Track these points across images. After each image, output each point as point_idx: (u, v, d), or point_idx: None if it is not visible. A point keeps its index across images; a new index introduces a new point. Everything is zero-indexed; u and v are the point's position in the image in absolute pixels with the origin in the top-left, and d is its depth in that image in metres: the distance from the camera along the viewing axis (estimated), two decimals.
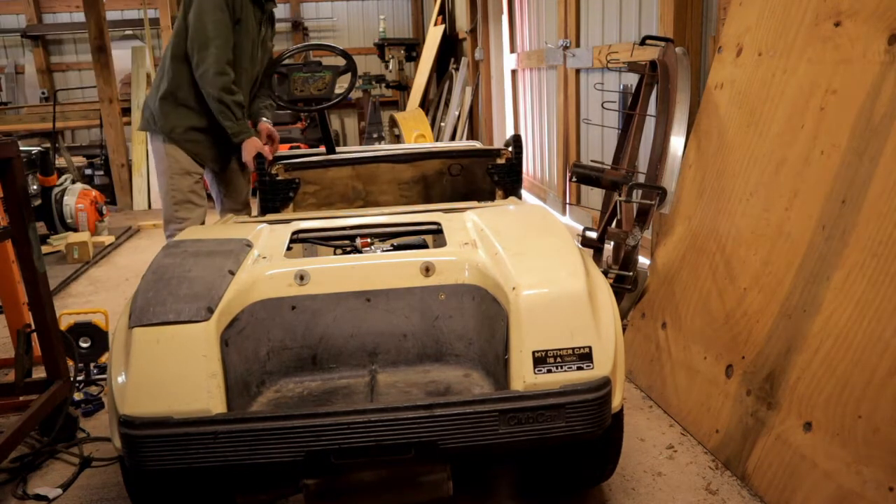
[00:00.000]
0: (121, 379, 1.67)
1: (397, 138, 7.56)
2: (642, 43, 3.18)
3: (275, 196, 2.88)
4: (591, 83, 4.94)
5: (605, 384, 1.66)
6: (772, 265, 2.29)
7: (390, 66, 9.69)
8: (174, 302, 1.72)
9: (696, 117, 2.92)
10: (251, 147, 3.08)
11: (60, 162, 7.79)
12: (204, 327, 1.68)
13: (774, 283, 2.26)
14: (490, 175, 3.03)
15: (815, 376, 2.01)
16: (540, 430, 1.61)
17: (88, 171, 8.06)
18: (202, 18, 3.00)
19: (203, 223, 3.42)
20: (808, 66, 2.30)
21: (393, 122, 7.79)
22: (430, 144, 3.35)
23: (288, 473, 1.74)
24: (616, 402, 1.73)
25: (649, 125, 3.16)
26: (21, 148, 3.43)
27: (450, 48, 8.91)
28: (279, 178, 2.86)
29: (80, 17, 9.05)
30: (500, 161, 3.03)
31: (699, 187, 2.79)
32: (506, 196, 3.07)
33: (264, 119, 3.34)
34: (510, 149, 3.07)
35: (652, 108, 3.17)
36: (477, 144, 3.44)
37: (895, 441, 1.74)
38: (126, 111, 8.01)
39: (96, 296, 4.63)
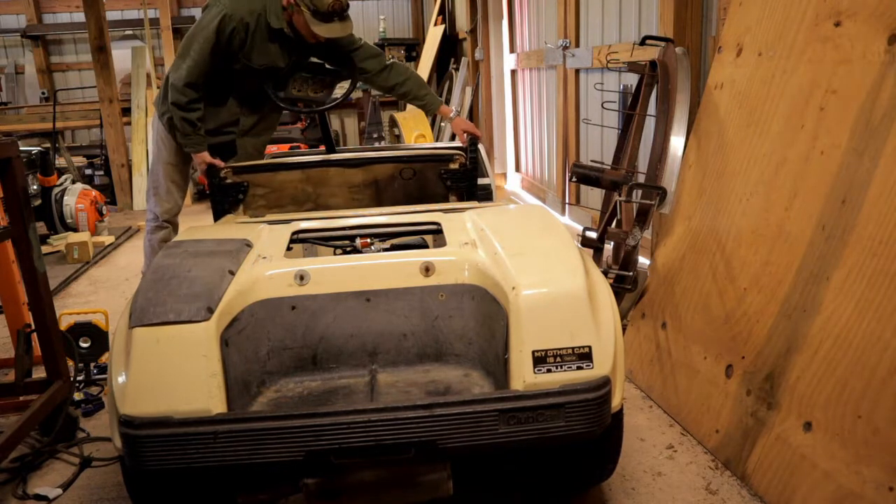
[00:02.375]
0: (121, 379, 1.67)
1: (397, 138, 7.56)
2: (642, 43, 3.18)
3: (224, 198, 2.91)
4: (590, 83, 4.94)
5: (604, 384, 1.66)
6: (772, 265, 2.29)
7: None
8: (174, 302, 1.72)
9: (696, 117, 2.92)
10: (201, 160, 3.13)
11: (60, 162, 7.79)
12: (204, 327, 1.68)
13: (774, 283, 2.26)
14: (442, 180, 2.98)
15: (815, 376, 2.01)
16: (539, 429, 1.62)
17: (88, 171, 8.06)
18: (194, 33, 3.10)
19: (177, 212, 3.54)
20: (808, 66, 2.30)
21: (393, 122, 7.79)
22: (392, 147, 3.44)
23: (288, 473, 1.74)
24: (616, 402, 1.73)
25: (649, 125, 3.16)
26: (21, 148, 3.44)
27: (450, 48, 8.91)
28: (228, 181, 2.88)
29: (80, 17, 9.04)
30: (454, 166, 2.97)
31: (699, 187, 2.79)
32: (461, 198, 3.02)
33: (453, 112, 3.39)
34: (465, 153, 2.98)
35: (652, 108, 3.17)
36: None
37: (895, 441, 1.74)
38: (126, 111, 8.01)
39: (96, 296, 4.63)
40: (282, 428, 1.57)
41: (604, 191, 3.54)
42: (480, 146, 3.15)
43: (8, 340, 3.51)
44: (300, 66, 3.31)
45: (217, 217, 2.99)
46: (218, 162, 3.10)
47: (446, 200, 3.00)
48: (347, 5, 3.06)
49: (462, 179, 2.99)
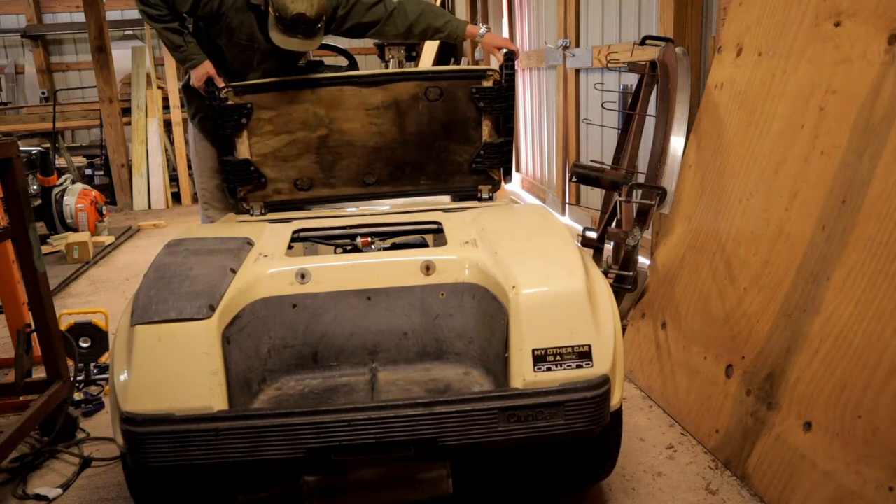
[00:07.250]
0: (123, 376, 1.68)
1: None
2: (642, 43, 3.18)
3: (225, 123, 2.66)
4: (590, 83, 4.95)
5: (603, 382, 1.66)
6: (772, 265, 2.29)
7: (390, 66, 9.70)
8: (176, 300, 1.72)
9: (696, 117, 2.93)
10: (200, 73, 2.80)
11: (60, 162, 7.80)
12: (205, 325, 1.69)
13: (774, 283, 2.26)
14: (474, 101, 2.69)
15: (815, 376, 2.01)
16: (539, 427, 1.62)
17: (88, 171, 8.07)
18: None
19: None
20: (808, 66, 2.31)
21: None
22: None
23: (289, 470, 1.74)
24: (615, 400, 1.74)
25: (649, 125, 3.16)
26: (21, 148, 3.43)
27: (450, 48, 8.92)
28: (229, 102, 2.63)
29: (80, 17, 9.06)
30: (487, 84, 2.67)
31: (699, 187, 2.79)
32: (496, 128, 2.78)
33: (482, 29, 2.89)
34: (500, 68, 2.68)
35: (652, 108, 3.17)
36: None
37: (895, 441, 1.74)
38: (126, 111, 8.01)
39: (96, 296, 4.63)
40: (282, 425, 1.57)
41: (604, 191, 3.55)
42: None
43: (8, 340, 3.51)
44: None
45: (221, 145, 2.75)
46: (218, 79, 2.76)
47: (478, 126, 2.74)
48: (319, 19, 2.66)
49: (497, 100, 2.70)
